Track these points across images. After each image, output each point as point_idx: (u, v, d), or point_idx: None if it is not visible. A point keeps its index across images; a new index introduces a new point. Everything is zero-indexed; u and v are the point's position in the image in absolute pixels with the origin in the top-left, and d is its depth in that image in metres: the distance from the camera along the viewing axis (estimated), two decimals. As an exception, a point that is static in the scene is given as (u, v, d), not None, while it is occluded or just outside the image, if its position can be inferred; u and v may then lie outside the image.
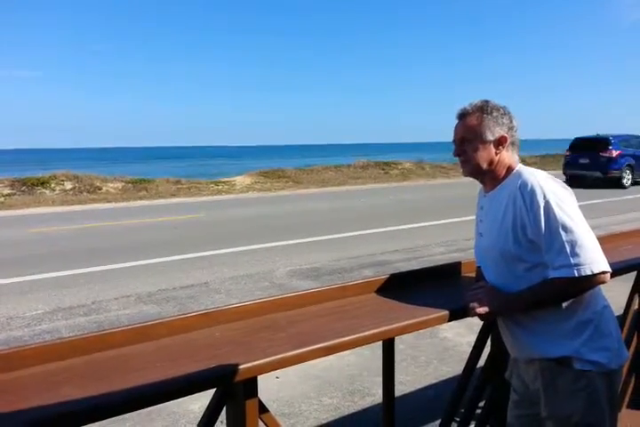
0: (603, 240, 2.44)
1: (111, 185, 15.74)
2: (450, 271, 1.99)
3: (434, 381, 3.19)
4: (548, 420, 1.45)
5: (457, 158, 1.56)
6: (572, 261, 1.34)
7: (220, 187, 16.62)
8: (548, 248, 1.38)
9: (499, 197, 1.51)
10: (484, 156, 1.50)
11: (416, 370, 3.35)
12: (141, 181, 16.30)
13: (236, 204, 13.09)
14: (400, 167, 21.88)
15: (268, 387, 3.03)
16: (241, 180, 18.01)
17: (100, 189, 15.28)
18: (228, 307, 1.53)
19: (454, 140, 1.56)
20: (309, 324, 1.48)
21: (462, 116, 1.54)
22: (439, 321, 1.54)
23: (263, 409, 1.32)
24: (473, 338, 1.93)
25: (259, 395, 1.29)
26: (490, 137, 1.50)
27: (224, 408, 1.32)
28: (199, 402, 2.79)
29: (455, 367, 3.24)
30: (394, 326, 1.42)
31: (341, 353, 1.43)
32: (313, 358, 1.31)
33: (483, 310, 1.46)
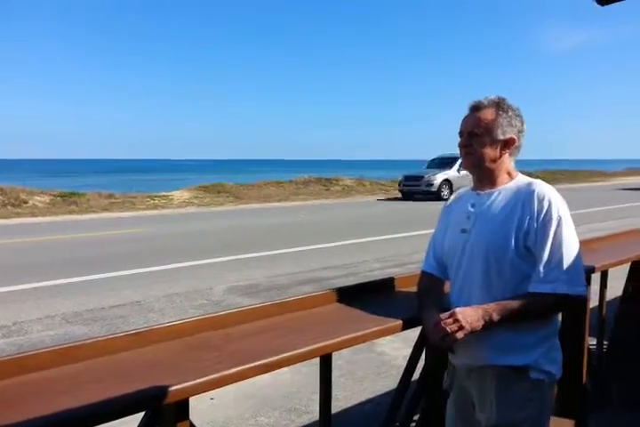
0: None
1: (38, 198, 14.90)
2: (387, 286, 2.02)
3: (371, 395, 3.21)
4: None
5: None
6: (566, 278, 1.36)
7: (157, 201, 16.15)
8: (546, 260, 1.37)
9: (501, 198, 1.46)
10: (490, 154, 1.46)
11: (353, 385, 3.36)
12: (71, 195, 15.56)
13: (174, 219, 12.75)
14: (341, 184, 22.22)
15: (202, 408, 2.93)
16: (179, 194, 17.60)
17: (27, 202, 14.42)
18: (161, 326, 1.47)
19: (461, 132, 1.50)
20: (246, 342, 1.45)
21: (476, 108, 1.49)
22: (377, 335, 1.56)
23: (195, 432, 1.27)
24: (409, 351, 1.96)
25: (191, 417, 1.24)
26: (500, 136, 1.46)
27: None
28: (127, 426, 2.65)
29: (392, 381, 3.28)
30: (331, 341, 1.42)
31: (278, 371, 1.41)
32: (250, 377, 1.28)
33: (460, 336, 1.35)
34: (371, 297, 1.91)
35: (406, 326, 1.68)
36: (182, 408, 1.21)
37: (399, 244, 8.42)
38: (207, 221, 12.18)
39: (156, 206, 15.35)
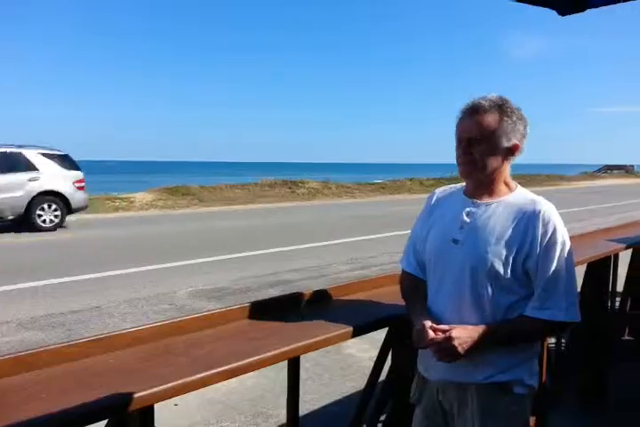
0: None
1: (-9, 200, 14.29)
2: (353, 289, 2.03)
3: (338, 397, 3.22)
4: None
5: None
6: (565, 305, 1.34)
7: (117, 204, 15.73)
8: (545, 286, 1.33)
9: (500, 212, 1.38)
10: (493, 163, 1.36)
11: (320, 388, 3.36)
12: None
13: (135, 222, 12.45)
14: (307, 186, 22.21)
15: (166, 415, 2.86)
16: (141, 196, 17.20)
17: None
18: (123, 332, 1.43)
19: (460, 138, 1.37)
20: (211, 347, 1.43)
21: (475, 111, 1.35)
22: (343, 338, 1.56)
23: (160, 439, 1.24)
24: (376, 353, 1.97)
25: (155, 424, 1.21)
26: (505, 143, 1.35)
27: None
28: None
29: (359, 383, 3.29)
30: (299, 344, 1.42)
31: (244, 376, 1.39)
32: (215, 382, 1.26)
33: (453, 357, 1.32)
34: (336, 301, 1.91)
35: (373, 328, 1.70)
36: (147, 415, 1.18)
37: (365, 246, 8.49)
38: (171, 224, 11.96)
39: (117, 209, 14.96)
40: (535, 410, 2.54)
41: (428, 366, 1.47)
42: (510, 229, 1.35)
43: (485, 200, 1.41)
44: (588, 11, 1.89)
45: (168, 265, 7.08)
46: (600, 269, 3.10)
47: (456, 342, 1.30)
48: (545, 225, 1.34)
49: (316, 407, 3.07)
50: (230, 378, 1.29)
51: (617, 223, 4.24)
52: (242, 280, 6.25)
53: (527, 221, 1.34)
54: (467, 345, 1.31)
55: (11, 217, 9.96)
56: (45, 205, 10.22)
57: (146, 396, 1.11)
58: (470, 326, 1.34)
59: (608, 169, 54.81)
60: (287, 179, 23.69)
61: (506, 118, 1.34)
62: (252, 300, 1.76)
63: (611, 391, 3.12)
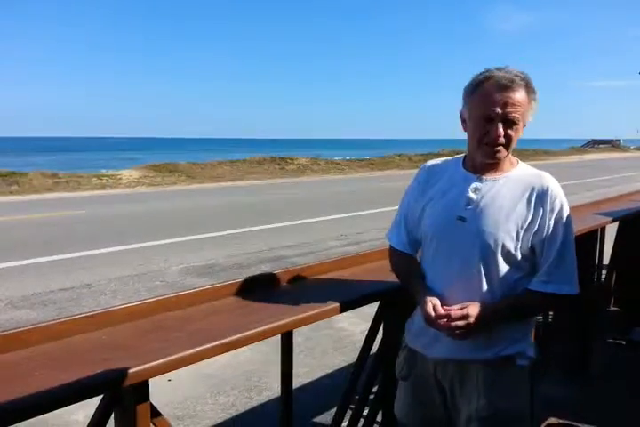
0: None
1: (-25, 178, 14.05)
2: (344, 264, 2.04)
3: (329, 370, 3.27)
4: (490, 419, 1.38)
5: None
6: (568, 278, 1.37)
7: (105, 181, 15.56)
8: (552, 260, 1.35)
9: (508, 188, 1.37)
10: (516, 141, 1.34)
11: (312, 361, 3.41)
12: (12, 175, 14.75)
13: (123, 199, 12.34)
14: (296, 163, 22.10)
15: (160, 390, 2.89)
16: (128, 174, 17.02)
17: (-39, 182, 13.58)
18: (115, 308, 1.42)
19: (493, 115, 1.28)
20: (204, 322, 1.43)
21: (508, 87, 1.27)
22: (336, 312, 1.57)
23: (155, 413, 1.25)
24: (367, 327, 1.99)
25: (150, 399, 1.22)
26: (527, 122, 1.35)
27: (112, 416, 1.23)
28: (83, 411, 2.60)
29: (350, 356, 3.35)
30: (292, 318, 1.42)
31: (237, 351, 1.40)
32: (210, 357, 1.27)
33: (467, 335, 1.32)
34: (328, 275, 1.92)
35: (364, 302, 1.72)
36: (142, 390, 1.19)
37: (354, 222, 8.52)
38: (159, 201, 11.88)
39: (103, 186, 14.80)
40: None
41: (430, 343, 1.44)
42: (519, 206, 1.34)
43: (491, 176, 1.38)
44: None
45: (159, 242, 7.07)
46: (587, 242, 3.13)
47: (472, 320, 1.30)
48: (553, 202, 1.35)
49: (308, 381, 3.13)
50: (225, 352, 1.29)
51: (604, 197, 4.28)
52: (233, 257, 6.27)
53: (536, 197, 1.34)
54: (480, 322, 1.31)
55: None
56: None
57: (140, 371, 1.11)
58: (482, 303, 1.34)
59: (595, 144, 55.15)
60: (276, 155, 23.55)
61: (532, 95, 1.32)
62: (244, 276, 1.76)
63: (594, 362, 3.21)
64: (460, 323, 1.30)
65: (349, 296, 1.61)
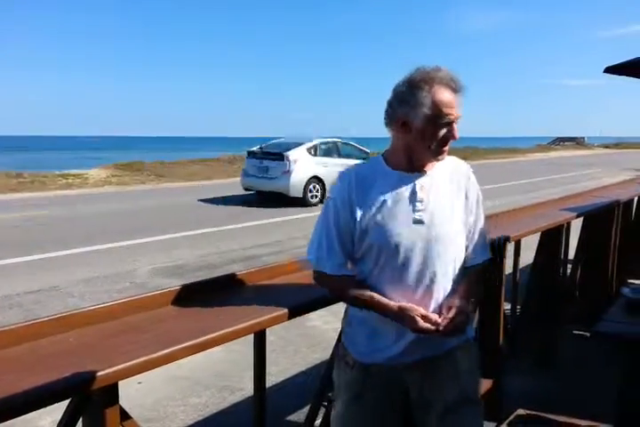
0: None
1: None
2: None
3: (302, 369, 3.28)
4: (466, 402, 1.41)
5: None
6: (486, 246, 1.48)
7: (71, 181, 15.16)
8: (479, 234, 1.43)
9: (439, 180, 1.38)
10: None
11: (285, 360, 3.41)
12: (-28, 174, 14.24)
13: (90, 199, 12.05)
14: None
15: (130, 393, 2.85)
16: (95, 173, 16.63)
17: None
18: (82, 310, 1.40)
19: (451, 117, 1.29)
20: (175, 322, 1.42)
21: (461, 90, 1.31)
22: (310, 309, 1.58)
23: (125, 416, 1.23)
24: (339, 324, 2.01)
25: (120, 402, 1.20)
26: None
27: (80, 420, 1.21)
28: (50, 417, 2.53)
29: (323, 354, 3.36)
30: (264, 317, 1.42)
31: (209, 351, 1.38)
32: (181, 358, 1.25)
33: (463, 330, 1.36)
34: (301, 273, 1.92)
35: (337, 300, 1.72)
36: (111, 393, 1.16)
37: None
38: (127, 201, 11.64)
39: (70, 186, 14.41)
40: (491, 372, 2.66)
41: (399, 352, 1.37)
42: (457, 194, 1.39)
43: (423, 171, 1.37)
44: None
45: (127, 243, 6.94)
46: (553, 237, 3.22)
47: (465, 314, 1.32)
48: (474, 183, 1.43)
49: (282, 379, 3.13)
50: (196, 353, 1.28)
51: (569, 193, 4.41)
52: (205, 257, 6.20)
53: (464, 182, 1.41)
54: (468, 313, 1.35)
55: None
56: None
57: (109, 374, 1.09)
58: (457, 296, 1.36)
59: (560, 141, 56.63)
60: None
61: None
62: (216, 275, 1.74)
63: (561, 352, 3.31)
64: (459, 320, 1.31)
65: (322, 294, 1.61)
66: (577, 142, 54.62)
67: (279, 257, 5.92)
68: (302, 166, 10.81)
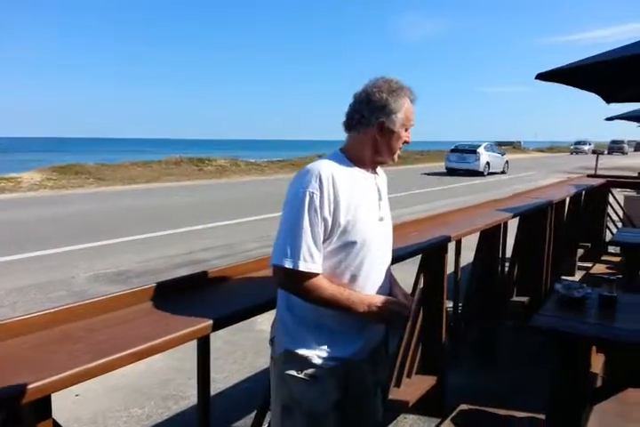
0: (394, 228, 2.76)
1: None
2: (262, 265, 2.02)
3: (249, 374, 3.23)
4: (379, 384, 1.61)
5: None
6: None
7: (3, 184, 14.31)
8: None
9: (383, 179, 1.56)
10: None
11: (232, 366, 3.36)
12: None
13: (22, 204, 11.42)
14: (215, 164, 21.64)
15: (66, 406, 2.72)
16: (29, 176, 15.76)
17: None
18: (14, 320, 1.31)
19: (410, 123, 1.46)
20: (113, 331, 1.36)
21: (415, 99, 1.47)
22: (255, 313, 1.56)
23: (59, 431, 1.17)
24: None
25: (54, 416, 1.13)
26: None
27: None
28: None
29: (270, 358, 3.33)
30: (207, 323, 1.39)
31: (152, 359, 1.34)
32: (119, 367, 1.20)
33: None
34: (243, 277, 1.90)
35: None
36: (43, 407, 1.10)
37: (274, 223, 8.48)
38: (63, 205, 11.11)
39: (2, 190, 13.61)
40: (434, 369, 2.73)
41: (366, 341, 1.46)
42: (385, 191, 1.56)
43: (376, 172, 1.53)
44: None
45: (63, 249, 6.62)
46: (491, 236, 3.35)
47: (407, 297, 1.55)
48: None
49: (228, 386, 3.07)
50: (135, 362, 1.23)
51: (507, 194, 4.60)
52: (149, 262, 6.02)
53: (386, 184, 1.58)
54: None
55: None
56: None
57: (40, 386, 1.03)
58: (396, 284, 1.61)
59: (498, 145, 59.16)
60: (194, 156, 22.93)
61: None
62: (160, 281, 1.68)
63: (500, 347, 3.44)
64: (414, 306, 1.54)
65: (270, 297, 1.59)
66: (514, 146, 57.23)
67: (227, 260, 5.82)
68: (483, 156, 20.76)
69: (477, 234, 3.21)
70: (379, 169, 1.54)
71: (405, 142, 1.46)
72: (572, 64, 1.71)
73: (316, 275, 1.34)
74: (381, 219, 1.47)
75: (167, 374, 3.21)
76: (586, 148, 46.46)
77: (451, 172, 20.96)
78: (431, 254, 2.60)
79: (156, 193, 13.69)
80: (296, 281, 1.34)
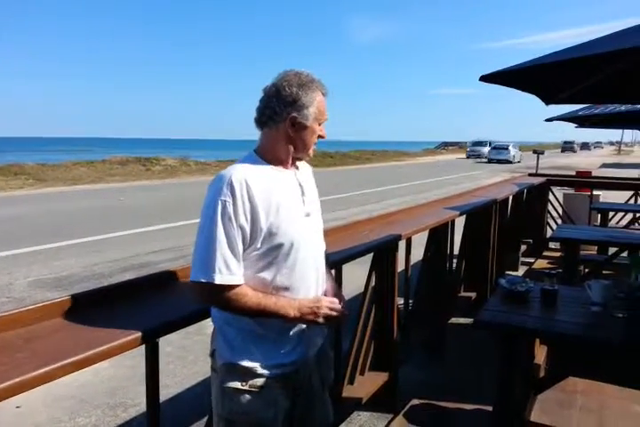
0: (346, 227, 2.79)
1: None
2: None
3: (201, 378, 3.17)
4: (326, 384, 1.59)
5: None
6: None
7: None
8: None
9: (306, 174, 1.50)
10: None
11: (183, 370, 3.28)
12: None
13: (-44, 206, 10.74)
14: (163, 164, 21.12)
15: (5, 419, 2.58)
16: (-39, 177, 14.85)
17: None
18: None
19: (323, 118, 1.41)
20: (54, 338, 1.29)
21: (327, 93, 1.42)
22: (205, 316, 1.53)
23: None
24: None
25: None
26: None
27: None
28: None
29: (223, 361, 3.27)
30: (154, 327, 1.35)
31: (98, 367, 1.28)
32: (61, 376, 1.15)
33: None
34: (184, 279, 1.85)
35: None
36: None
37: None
38: (3, 208, 10.52)
39: None
40: (387, 365, 2.77)
41: (310, 344, 1.45)
42: (315, 187, 1.53)
43: (297, 167, 1.46)
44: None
45: (1, 254, 6.27)
46: (439, 234, 3.44)
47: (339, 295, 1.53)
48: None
49: (179, 391, 3.00)
50: (78, 370, 1.18)
51: (453, 193, 4.74)
52: (93, 266, 5.79)
53: (311, 175, 1.54)
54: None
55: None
56: None
57: (-27, 400, 0.97)
58: (332, 281, 1.58)
59: (445, 146, 61.05)
60: (141, 156, 22.28)
61: None
62: (101, 286, 1.62)
63: (450, 344, 3.54)
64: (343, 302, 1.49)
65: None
66: (459, 147, 59.16)
67: (173, 264, 5.68)
68: (513, 151, 33.92)
69: (427, 232, 3.29)
70: (301, 163, 1.48)
71: (320, 137, 1.41)
72: (513, 67, 1.77)
73: (236, 286, 1.28)
74: (308, 214, 1.41)
75: (116, 382, 3.09)
76: (485, 149, 37.82)
77: (489, 161, 33.80)
78: (382, 253, 2.63)
79: (100, 194, 13.20)
80: (215, 295, 1.29)
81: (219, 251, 1.25)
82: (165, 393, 2.54)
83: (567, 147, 53.79)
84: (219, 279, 1.25)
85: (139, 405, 2.79)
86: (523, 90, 2.18)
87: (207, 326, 3.92)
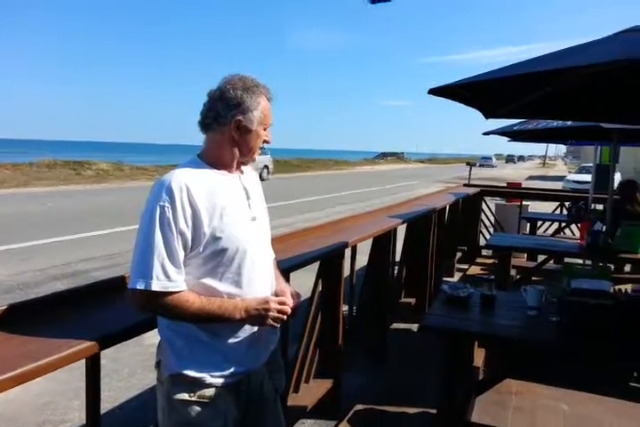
0: (293, 235, 2.79)
1: None
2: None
3: (139, 391, 3.04)
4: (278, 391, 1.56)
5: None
6: None
7: None
8: None
9: (251, 178, 1.49)
10: None
11: (119, 384, 3.13)
12: None
13: None
14: (95, 168, 20.19)
15: None
16: None
17: None
18: None
19: (268, 122, 1.40)
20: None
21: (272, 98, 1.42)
22: (147, 328, 1.47)
23: None
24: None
25: None
26: None
27: None
28: None
29: (162, 373, 3.16)
30: (98, 339, 1.28)
31: (27, 383, 1.17)
32: (1, 392, 1.06)
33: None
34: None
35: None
36: None
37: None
38: None
39: None
40: (331, 372, 2.78)
41: (261, 349, 1.43)
42: (260, 190, 1.53)
43: (242, 171, 1.45)
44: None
45: None
46: (382, 242, 3.51)
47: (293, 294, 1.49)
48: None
49: (115, 405, 2.85)
50: (12, 387, 1.09)
51: (394, 202, 4.86)
52: (20, 275, 5.43)
53: (259, 181, 1.54)
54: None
55: None
56: None
57: None
58: (282, 282, 1.56)
59: (384, 156, 62.67)
60: (70, 159, 21.21)
61: None
62: (34, 296, 1.52)
63: (393, 347, 3.60)
64: (297, 303, 1.45)
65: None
66: (398, 157, 60.88)
67: (113, 271, 5.43)
68: (494, 160, 57.98)
69: (371, 239, 3.34)
70: (246, 168, 1.47)
71: (265, 142, 1.41)
72: (460, 81, 1.85)
73: (175, 292, 1.25)
74: (254, 218, 1.40)
75: (45, 398, 2.90)
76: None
77: (480, 165, 41.35)
78: (329, 260, 2.65)
79: (25, 199, 12.42)
80: (153, 302, 1.25)
81: (156, 257, 1.23)
82: (102, 408, 2.40)
83: (484, 162, 58.30)
84: (156, 286, 1.22)
85: (70, 421, 2.63)
86: (466, 104, 2.28)
87: (145, 337, 3.77)
